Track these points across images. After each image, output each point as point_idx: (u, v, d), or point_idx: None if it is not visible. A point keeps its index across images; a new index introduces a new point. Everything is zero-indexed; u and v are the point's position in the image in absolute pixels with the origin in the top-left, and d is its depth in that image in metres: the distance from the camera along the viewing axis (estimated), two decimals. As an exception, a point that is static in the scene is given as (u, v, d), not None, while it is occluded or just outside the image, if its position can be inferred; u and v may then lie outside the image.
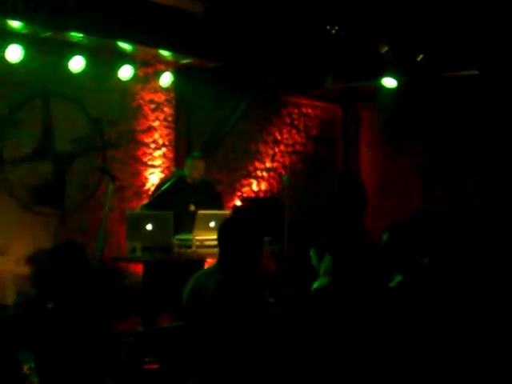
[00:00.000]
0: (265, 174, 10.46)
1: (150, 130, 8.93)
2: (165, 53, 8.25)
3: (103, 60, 8.03)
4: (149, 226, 6.98)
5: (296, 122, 11.05)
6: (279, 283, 8.32)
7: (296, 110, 11.06)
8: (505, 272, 4.60)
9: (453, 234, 5.51)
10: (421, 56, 8.59)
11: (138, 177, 8.77)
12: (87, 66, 7.75)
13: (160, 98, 9.04)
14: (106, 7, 7.19)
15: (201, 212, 7.32)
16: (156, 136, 8.99)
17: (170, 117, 9.17)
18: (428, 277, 4.69)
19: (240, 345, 3.94)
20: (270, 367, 3.97)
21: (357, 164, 11.77)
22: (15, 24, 6.93)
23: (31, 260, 7.54)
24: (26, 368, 4.93)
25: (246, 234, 4.14)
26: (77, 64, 7.69)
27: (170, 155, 9.13)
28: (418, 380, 4.16)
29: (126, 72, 8.19)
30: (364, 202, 11.05)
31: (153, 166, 8.92)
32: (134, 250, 7.00)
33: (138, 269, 7.76)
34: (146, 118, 8.88)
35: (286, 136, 10.85)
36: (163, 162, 9.03)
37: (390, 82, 9.17)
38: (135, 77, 8.40)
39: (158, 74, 8.77)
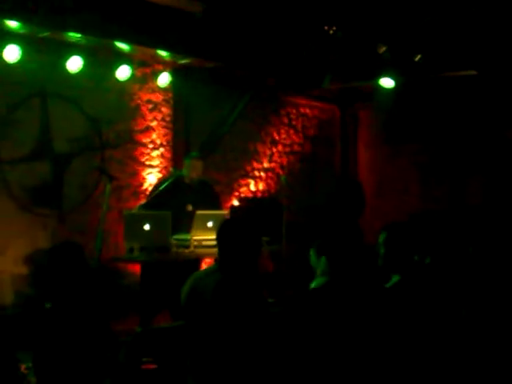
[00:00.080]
0: (263, 174, 10.46)
1: (148, 130, 8.93)
2: (163, 53, 8.25)
3: (101, 60, 8.03)
4: (146, 226, 6.98)
5: (294, 122, 11.05)
6: (277, 283, 8.32)
7: (294, 110, 11.06)
8: (504, 272, 4.61)
9: (453, 234, 5.52)
10: (419, 56, 8.59)
11: (136, 177, 8.77)
12: (85, 66, 7.75)
13: (158, 98, 9.04)
14: (103, 7, 7.18)
15: (199, 212, 7.31)
16: (154, 136, 8.99)
17: (168, 117, 9.17)
18: (425, 277, 4.70)
19: (239, 345, 3.94)
20: (269, 367, 3.97)
21: (355, 164, 11.77)
22: (13, 24, 6.92)
23: (29, 260, 7.54)
24: (23, 368, 4.93)
25: (244, 234, 4.14)
26: (75, 64, 7.69)
27: (168, 155, 9.13)
28: (416, 380, 4.16)
29: (123, 72, 8.19)
30: (362, 202, 11.06)
31: (151, 166, 8.92)
32: (131, 250, 7.00)
33: (136, 269, 7.75)
34: (143, 118, 8.88)
35: (283, 136, 10.86)
36: (161, 162, 9.03)
37: (387, 82, 9.17)
38: (133, 77, 8.40)
39: (155, 74, 8.77)
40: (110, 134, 8.47)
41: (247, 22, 8.16)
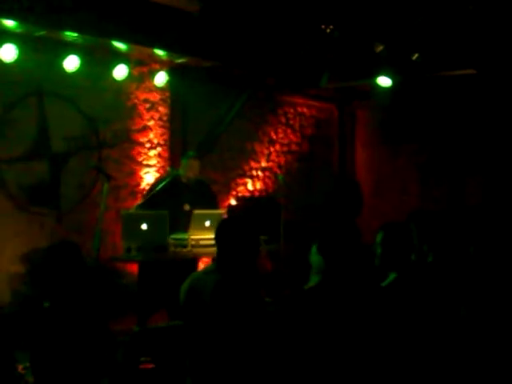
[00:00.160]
0: (260, 173, 10.45)
1: (145, 129, 8.92)
2: (160, 52, 8.23)
3: (98, 59, 8.02)
4: (144, 226, 6.97)
5: (291, 122, 11.05)
6: (275, 283, 8.31)
7: (291, 110, 11.05)
8: (504, 271, 4.61)
9: (453, 233, 5.52)
10: (416, 55, 8.58)
11: (133, 176, 8.76)
12: (82, 65, 7.74)
13: (155, 97, 9.03)
14: (100, 6, 7.17)
15: (196, 211, 7.31)
16: (151, 135, 8.98)
17: (165, 116, 9.16)
18: (422, 275, 4.69)
19: (237, 344, 3.94)
20: (267, 366, 3.96)
21: (352, 163, 11.76)
22: (9, 23, 6.91)
23: (27, 259, 7.53)
24: (20, 367, 4.92)
25: (243, 233, 4.15)
26: (71, 63, 7.68)
27: (165, 155, 9.12)
28: (412, 378, 4.16)
29: (120, 71, 8.19)
30: (360, 201, 11.07)
31: (148, 166, 8.91)
32: (129, 249, 6.99)
33: (134, 268, 7.75)
34: (140, 117, 8.87)
35: (281, 135, 10.85)
36: (158, 162, 9.02)
37: (385, 81, 9.16)
38: (130, 76, 8.39)
39: (152, 74, 8.76)
40: (107, 133, 8.46)
41: (244, 21, 8.14)
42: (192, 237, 7.21)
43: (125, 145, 8.69)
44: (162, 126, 9.11)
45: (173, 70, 8.84)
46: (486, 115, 9.97)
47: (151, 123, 8.99)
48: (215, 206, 8.05)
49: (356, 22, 8.28)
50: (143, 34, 7.63)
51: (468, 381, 4.35)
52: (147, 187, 8.32)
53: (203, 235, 7.17)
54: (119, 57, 8.14)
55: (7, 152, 7.61)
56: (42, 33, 7.29)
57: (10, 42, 7.16)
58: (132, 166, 8.77)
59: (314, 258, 4.42)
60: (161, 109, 9.11)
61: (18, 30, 7.14)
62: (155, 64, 8.78)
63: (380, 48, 8.48)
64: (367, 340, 4.04)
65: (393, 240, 4.54)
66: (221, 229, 4.22)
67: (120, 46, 7.85)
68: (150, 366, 5.92)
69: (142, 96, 8.88)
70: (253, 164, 10.36)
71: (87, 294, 4.47)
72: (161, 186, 7.55)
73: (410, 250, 4.66)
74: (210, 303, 3.97)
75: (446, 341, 4.36)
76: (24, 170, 7.74)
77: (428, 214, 5.57)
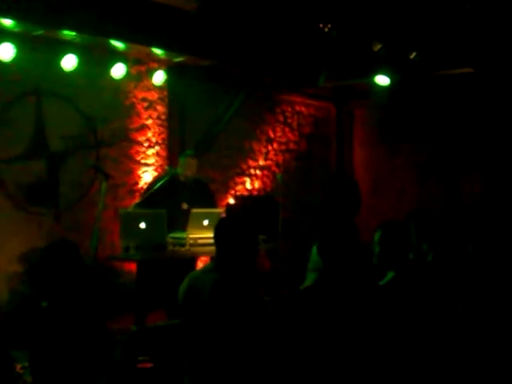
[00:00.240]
0: (258, 172, 10.45)
1: (143, 128, 8.92)
2: (158, 51, 8.23)
3: (96, 58, 8.02)
4: (142, 225, 6.96)
5: (289, 120, 11.05)
6: (274, 281, 8.32)
7: (289, 108, 11.06)
8: (503, 270, 4.61)
9: (452, 232, 5.53)
10: (414, 54, 8.58)
11: (132, 175, 8.76)
12: (80, 64, 7.74)
13: (153, 96, 9.02)
14: (98, 5, 7.17)
15: (194, 210, 7.30)
16: (149, 134, 8.98)
17: (163, 115, 9.16)
18: (420, 274, 4.70)
19: (235, 343, 3.94)
20: (265, 365, 3.97)
21: (350, 162, 11.77)
22: (7, 22, 6.90)
23: (25, 258, 7.52)
24: (19, 367, 4.92)
25: (242, 233, 4.15)
26: (69, 62, 7.68)
27: (164, 153, 9.12)
28: (410, 377, 4.16)
29: (118, 70, 8.18)
30: (358, 200, 11.06)
31: (146, 165, 8.91)
32: (127, 248, 6.99)
33: (132, 267, 7.75)
34: (139, 116, 8.87)
35: (279, 134, 10.85)
36: (156, 161, 9.02)
37: (383, 80, 9.16)
38: (128, 75, 8.39)
39: (150, 72, 8.76)
40: (105, 132, 8.46)
41: (242, 20, 8.14)
42: (190, 236, 7.21)
43: (123, 144, 8.69)
44: (160, 125, 9.11)
45: (171, 69, 8.84)
46: (484, 114, 9.98)
47: (149, 122, 8.99)
48: (213, 205, 8.04)
49: (354, 21, 8.27)
50: (141, 32, 7.63)
51: (465, 379, 4.36)
52: (145, 186, 8.32)
53: (201, 234, 7.16)
54: (117, 56, 8.13)
55: (5, 151, 7.60)
56: (39, 32, 7.28)
57: (8, 41, 7.15)
58: (130, 164, 8.77)
59: (314, 257, 4.42)
60: (159, 108, 9.11)
61: (16, 29, 7.13)
62: (153, 63, 8.77)
63: (378, 47, 8.48)
64: (365, 338, 4.04)
65: (391, 239, 4.54)
66: (219, 228, 4.22)
67: (118, 44, 7.85)
68: (149, 365, 5.92)
69: (140, 95, 8.88)
70: (251, 163, 10.36)
71: (85, 293, 4.47)
72: (159, 184, 7.55)
73: (407, 249, 4.66)
74: (208, 302, 3.98)
75: (444, 339, 4.37)
76: (22, 169, 7.73)
77: (427, 213, 5.58)
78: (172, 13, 7.66)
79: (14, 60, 7.27)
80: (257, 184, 10.41)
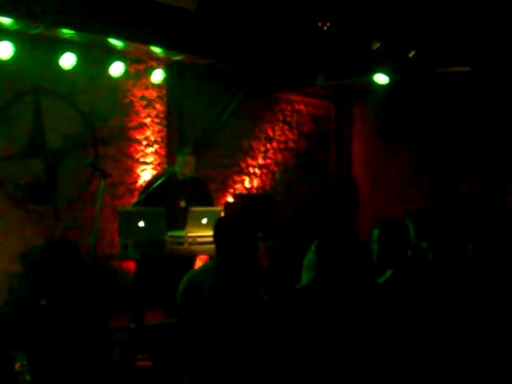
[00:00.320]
0: (257, 170, 10.45)
1: (142, 126, 8.91)
2: (156, 49, 8.22)
3: (94, 57, 8.02)
4: (141, 223, 6.95)
5: (288, 119, 11.05)
6: (272, 280, 8.32)
7: (288, 107, 11.05)
8: (502, 269, 4.62)
9: (451, 231, 5.54)
10: (413, 52, 8.59)
11: (130, 174, 8.76)
12: (78, 62, 7.74)
13: (151, 94, 9.02)
14: (97, 3, 7.17)
15: (193, 209, 7.30)
16: (148, 133, 8.97)
17: (162, 113, 9.15)
18: (419, 271, 4.71)
19: (235, 342, 3.94)
20: (264, 364, 3.97)
21: (349, 161, 11.77)
22: (6, 20, 6.90)
23: (23, 257, 7.52)
24: (17, 366, 4.92)
25: (241, 232, 4.15)
26: (68, 61, 7.68)
27: (162, 152, 9.11)
28: (407, 374, 4.17)
29: (117, 69, 8.18)
30: (356, 199, 11.07)
31: (145, 163, 8.91)
32: (125, 246, 6.98)
33: (131, 266, 7.75)
34: (137, 114, 8.86)
35: (278, 133, 10.85)
36: (155, 159, 9.01)
37: (382, 79, 9.17)
38: (126, 73, 8.39)
39: (149, 71, 8.76)
40: (103, 130, 8.45)
41: (241, 18, 8.14)
42: (189, 234, 7.21)
43: (121, 142, 8.68)
44: (158, 124, 9.11)
45: (169, 68, 8.84)
46: (483, 112, 9.98)
47: (148, 120, 8.98)
48: (211, 203, 8.05)
49: (353, 20, 8.28)
50: (140, 31, 7.63)
51: (464, 376, 4.36)
52: (144, 184, 8.31)
53: (200, 232, 7.15)
54: (116, 54, 8.13)
55: (3, 149, 7.60)
56: (38, 30, 7.27)
57: (7, 39, 7.15)
58: (129, 163, 8.76)
59: (310, 255, 4.42)
60: (157, 106, 9.10)
61: (15, 28, 7.13)
62: (152, 61, 8.77)
63: (377, 45, 8.48)
64: (364, 336, 4.04)
65: (389, 237, 4.55)
66: (219, 227, 4.22)
67: (116, 43, 7.85)
68: (147, 363, 5.92)
69: (139, 93, 8.88)
70: (250, 161, 10.36)
71: (84, 291, 4.47)
72: (158, 183, 7.56)
73: (406, 247, 4.67)
74: (208, 301, 3.98)
75: (441, 337, 4.37)
76: (20, 167, 7.72)
77: (425, 212, 5.59)
78: (171, 11, 7.66)
79: (13, 58, 7.27)
80: (256, 182, 10.41)
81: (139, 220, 6.95)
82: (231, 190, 10.01)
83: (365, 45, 8.52)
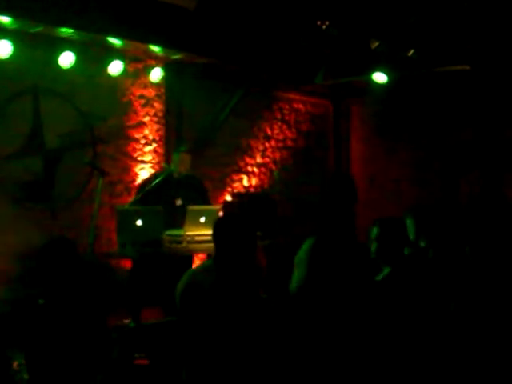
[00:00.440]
0: (255, 169, 10.45)
1: (140, 125, 8.91)
2: (155, 48, 8.23)
3: (93, 55, 8.03)
4: (139, 222, 6.96)
5: (287, 118, 11.05)
6: (270, 279, 8.32)
7: (287, 106, 11.05)
8: (500, 269, 4.63)
9: (452, 230, 5.55)
10: (412, 51, 8.59)
11: (129, 172, 8.76)
12: (77, 61, 7.74)
13: (150, 93, 9.02)
14: (95, 2, 7.17)
15: (191, 207, 7.30)
16: (146, 131, 8.97)
17: (161, 112, 9.15)
18: (416, 269, 4.72)
19: (234, 341, 3.95)
20: (264, 362, 3.98)
21: (348, 159, 11.77)
22: (5, 19, 6.90)
23: (21, 256, 7.52)
24: (15, 364, 4.93)
25: (241, 231, 4.15)
26: (67, 59, 7.68)
27: (161, 151, 9.11)
28: (404, 372, 4.18)
29: (115, 67, 8.18)
30: (354, 197, 11.05)
31: (143, 162, 8.91)
32: (124, 245, 6.99)
33: (129, 264, 7.75)
34: (136, 113, 8.86)
35: (276, 131, 10.85)
36: (153, 158, 9.01)
37: (380, 78, 9.16)
38: (125, 72, 8.40)
39: (148, 70, 8.76)
40: (102, 129, 8.46)
41: (240, 17, 8.14)
42: (187, 233, 7.21)
43: (120, 141, 8.69)
44: (157, 122, 9.11)
45: (168, 66, 8.85)
46: (482, 111, 9.98)
47: (146, 119, 8.99)
48: (207, 201, 8.04)
49: (351, 19, 8.27)
50: (139, 30, 7.63)
51: (460, 375, 4.37)
52: (141, 183, 8.31)
53: (198, 231, 7.16)
54: (114, 53, 8.13)
55: (2, 148, 7.60)
56: (37, 29, 7.28)
57: (5, 38, 7.16)
58: (127, 161, 8.76)
59: (302, 254, 4.42)
60: (156, 105, 9.10)
61: (14, 27, 7.14)
62: (150, 60, 8.77)
63: (375, 44, 8.48)
64: (361, 333, 4.06)
65: (386, 235, 4.57)
66: (218, 227, 4.22)
67: (115, 42, 7.86)
68: (145, 361, 5.93)
69: (138, 92, 8.88)
70: (248, 160, 10.36)
71: (82, 290, 4.48)
72: (156, 182, 7.56)
73: (402, 245, 4.69)
74: (207, 300, 3.98)
75: (437, 335, 4.38)
76: (19, 166, 7.73)
77: (427, 209, 5.60)
78: (169, 10, 7.66)
79: (12, 57, 7.28)
80: (254, 181, 10.41)
81: (137, 218, 6.95)
82: (229, 189, 10.01)
83: (363, 44, 8.52)
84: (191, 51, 8.36)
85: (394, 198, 10.88)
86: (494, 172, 9.95)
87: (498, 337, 4.34)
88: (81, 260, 4.61)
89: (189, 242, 7.20)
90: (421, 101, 10.44)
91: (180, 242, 7.22)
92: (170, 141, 9.15)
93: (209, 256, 7.10)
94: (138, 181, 8.73)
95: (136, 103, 8.85)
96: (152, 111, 9.04)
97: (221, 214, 7.53)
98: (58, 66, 7.69)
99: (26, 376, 4.54)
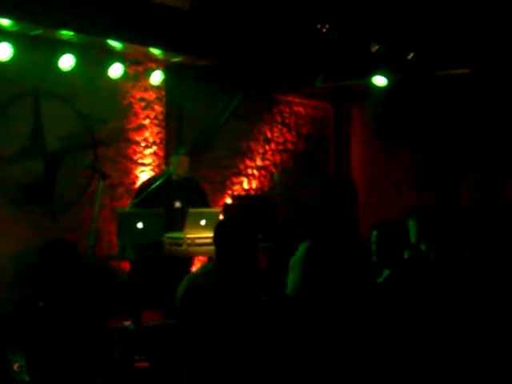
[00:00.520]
0: (256, 172, 10.46)
1: (141, 128, 8.92)
2: (155, 51, 8.23)
3: (93, 58, 8.03)
4: (139, 224, 6.96)
5: (287, 121, 11.06)
6: (271, 281, 8.32)
7: (287, 109, 11.06)
8: (499, 271, 4.63)
9: (452, 232, 5.55)
10: (411, 54, 8.60)
11: (129, 175, 8.76)
12: (77, 64, 7.74)
13: (150, 96, 9.03)
14: (96, 5, 7.17)
15: (191, 210, 7.31)
16: (146, 134, 8.98)
17: (161, 115, 9.16)
18: (416, 272, 4.73)
19: (235, 343, 3.95)
20: (264, 365, 3.98)
21: (348, 162, 11.77)
22: (5, 22, 6.90)
23: (21, 258, 7.51)
24: (16, 366, 4.92)
25: (242, 234, 4.14)
26: (67, 62, 7.68)
27: (161, 153, 9.12)
28: (403, 372, 4.18)
29: (116, 70, 8.19)
30: (355, 200, 11.05)
31: (143, 165, 8.91)
32: (124, 247, 6.99)
33: (129, 267, 7.75)
34: (136, 116, 8.87)
35: (276, 134, 10.86)
36: (153, 161, 9.02)
37: (380, 81, 9.17)
38: (125, 75, 8.40)
39: (148, 72, 8.77)
40: (102, 131, 8.46)
41: (240, 20, 8.15)
42: (187, 235, 7.21)
43: (120, 143, 8.69)
44: (157, 125, 9.11)
45: (168, 69, 8.85)
46: (482, 114, 9.99)
47: (147, 122, 8.99)
48: (205, 203, 8.04)
49: (352, 22, 8.29)
50: (139, 32, 7.64)
51: (459, 376, 4.38)
52: (140, 186, 8.31)
53: (199, 234, 7.16)
54: (115, 56, 8.14)
55: (2, 151, 7.60)
56: (37, 32, 7.28)
57: (6, 40, 7.16)
58: (127, 164, 8.77)
59: (297, 257, 4.42)
60: (156, 107, 9.11)
61: (14, 29, 7.13)
62: (151, 63, 8.78)
63: (376, 47, 8.49)
64: (361, 334, 4.06)
65: (386, 238, 4.58)
66: (219, 229, 4.21)
67: (115, 44, 7.85)
68: (145, 364, 5.92)
69: (138, 95, 8.89)
70: (248, 163, 10.36)
71: (82, 292, 4.48)
72: (156, 184, 7.56)
73: (402, 247, 4.70)
74: (208, 303, 3.98)
75: (436, 337, 4.38)
76: (19, 168, 7.73)
77: (428, 212, 5.60)
78: (170, 13, 7.66)
79: (12, 60, 7.28)
80: (254, 184, 10.42)
81: (138, 221, 6.96)
82: (230, 192, 10.02)
83: (364, 47, 8.53)
84: (191, 54, 8.37)
85: (394, 200, 10.88)
86: (493, 175, 9.95)
87: (498, 338, 4.35)
88: (81, 262, 4.60)
89: (189, 245, 7.21)
90: (421, 104, 10.45)
91: (180, 245, 7.22)
92: (171, 143, 9.15)
93: (209, 259, 7.10)
94: (139, 183, 8.73)
95: (136, 106, 8.86)
96: (152, 114, 9.04)
97: (221, 216, 7.54)
98: (59, 68, 7.69)
99: (26, 378, 4.54)
